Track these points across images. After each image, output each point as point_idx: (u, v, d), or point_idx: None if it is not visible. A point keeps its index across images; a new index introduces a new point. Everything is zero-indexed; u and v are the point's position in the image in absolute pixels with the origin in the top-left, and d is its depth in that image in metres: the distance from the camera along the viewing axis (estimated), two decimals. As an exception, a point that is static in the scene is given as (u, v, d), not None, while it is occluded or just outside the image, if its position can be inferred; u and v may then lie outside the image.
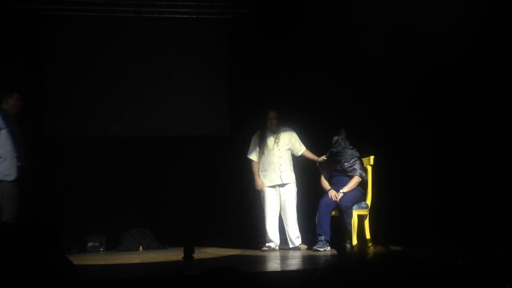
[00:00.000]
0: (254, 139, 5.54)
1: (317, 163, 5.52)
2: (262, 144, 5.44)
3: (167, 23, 7.03)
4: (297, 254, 4.92)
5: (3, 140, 4.61)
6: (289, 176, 5.43)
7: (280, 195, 5.42)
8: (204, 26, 7.10)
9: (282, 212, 5.42)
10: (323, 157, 5.43)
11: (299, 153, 5.55)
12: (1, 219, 4.45)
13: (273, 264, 4.15)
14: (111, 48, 6.88)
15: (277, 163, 5.41)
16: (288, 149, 5.49)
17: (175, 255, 4.91)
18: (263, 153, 5.42)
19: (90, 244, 6.22)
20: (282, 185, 5.41)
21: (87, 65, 6.78)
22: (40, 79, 6.72)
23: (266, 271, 3.44)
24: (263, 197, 5.42)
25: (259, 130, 5.55)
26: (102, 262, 4.79)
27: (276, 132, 5.48)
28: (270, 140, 5.45)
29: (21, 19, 6.51)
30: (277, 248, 5.35)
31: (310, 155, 5.55)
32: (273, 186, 5.42)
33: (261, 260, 4.44)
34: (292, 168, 5.48)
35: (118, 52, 6.88)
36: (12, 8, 6.44)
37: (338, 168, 5.29)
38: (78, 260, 4.86)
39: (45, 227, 1.04)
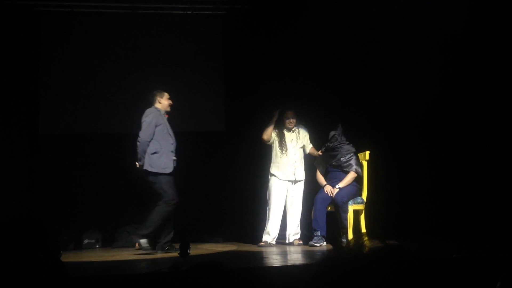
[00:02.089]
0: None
1: (317, 157, 5.55)
2: (279, 140, 5.42)
3: (162, 19, 7.00)
4: (293, 249, 4.93)
5: (160, 136, 4.92)
6: (301, 174, 5.47)
7: (288, 191, 5.44)
8: (199, 22, 7.07)
9: (287, 208, 5.44)
10: (320, 152, 5.46)
11: (308, 151, 5.60)
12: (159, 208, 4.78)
13: (269, 260, 4.15)
14: (106, 44, 6.84)
15: (292, 160, 5.43)
16: (302, 146, 5.53)
17: (171, 251, 4.91)
18: (281, 149, 5.40)
19: (86, 241, 6.20)
20: (294, 182, 5.43)
21: (82, 61, 6.75)
22: (35, 76, 6.68)
23: (249, 267, 3.43)
24: (270, 186, 5.42)
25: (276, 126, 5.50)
26: (98, 259, 4.79)
27: (291, 129, 5.48)
28: (288, 138, 5.46)
29: (15, 15, 6.47)
30: (274, 243, 5.36)
31: (313, 151, 5.59)
32: (283, 180, 5.42)
33: (257, 256, 4.45)
34: (303, 165, 5.51)
35: (113, 48, 6.85)
36: (6, 4, 6.40)
37: (334, 163, 5.30)
38: (74, 257, 4.85)
39: (34, 227, 1.02)
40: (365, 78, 5.96)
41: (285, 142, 5.42)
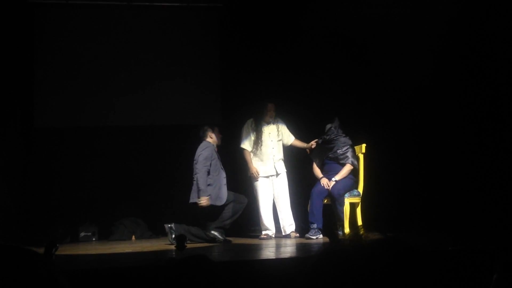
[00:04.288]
0: (247, 129, 5.54)
1: (307, 150, 5.55)
2: (256, 135, 5.44)
3: (158, 11, 6.96)
4: (289, 242, 4.94)
5: (213, 170, 5.18)
6: (282, 166, 5.49)
7: (273, 184, 5.46)
8: (195, 14, 7.04)
9: (276, 201, 5.45)
10: (313, 142, 5.44)
11: (289, 143, 5.60)
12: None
13: (266, 252, 4.17)
14: (101, 37, 6.79)
15: (271, 154, 5.45)
16: (280, 139, 5.53)
17: (167, 244, 4.92)
18: (257, 144, 5.43)
19: (82, 234, 6.20)
20: (276, 175, 5.45)
21: (77, 54, 6.70)
22: (29, 68, 6.64)
23: (246, 260, 3.44)
24: (256, 187, 5.44)
25: (252, 120, 5.54)
26: (94, 251, 4.80)
27: (269, 123, 5.50)
28: (264, 131, 5.46)
29: (8, 7, 6.41)
30: (273, 236, 5.40)
31: (299, 143, 5.60)
32: (267, 176, 5.45)
33: (252, 249, 4.46)
34: (283, 158, 5.53)
35: (109, 40, 6.81)
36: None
37: (330, 155, 5.31)
38: (70, 250, 4.86)
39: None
40: (361, 71, 5.95)
41: (261, 136, 5.43)
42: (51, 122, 6.64)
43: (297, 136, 5.65)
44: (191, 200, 5.16)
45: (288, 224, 5.39)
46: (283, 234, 5.38)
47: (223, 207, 5.12)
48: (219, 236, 5.02)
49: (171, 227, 4.95)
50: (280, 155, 5.52)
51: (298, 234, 5.33)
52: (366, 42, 5.89)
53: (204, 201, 5.04)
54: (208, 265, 1.22)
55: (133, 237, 6.21)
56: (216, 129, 5.39)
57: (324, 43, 6.16)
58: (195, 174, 5.17)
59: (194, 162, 5.22)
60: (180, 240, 4.12)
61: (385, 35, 5.68)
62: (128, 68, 6.80)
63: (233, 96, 6.83)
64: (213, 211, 5.12)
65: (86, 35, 6.75)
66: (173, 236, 4.80)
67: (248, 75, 6.65)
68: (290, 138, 5.59)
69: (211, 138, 5.33)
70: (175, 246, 4.21)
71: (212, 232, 5.02)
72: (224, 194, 5.12)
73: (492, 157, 5.11)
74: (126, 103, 6.77)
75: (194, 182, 5.18)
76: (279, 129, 5.53)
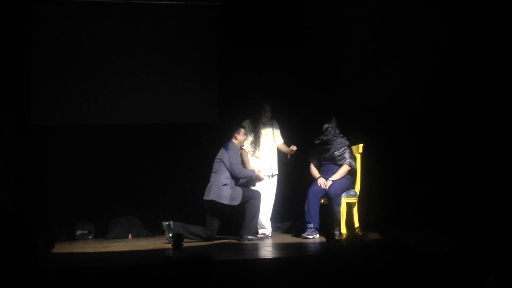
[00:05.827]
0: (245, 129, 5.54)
1: (288, 155, 5.58)
2: (254, 135, 5.46)
3: (156, 9, 6.94)
4: (286, 241, 4.95)
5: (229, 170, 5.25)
6: (276, 167, 5.56)
7: (266, 184, 5.49)
8: (193, 13, 7.02)
9: None
10: (293, 146, 5.45)
11: (278, 145, 5.65)
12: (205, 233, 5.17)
13: (263, 252, 4.17)
14: (98, 34, 6.77)
15: (268, 155, 5.49)
16: (275, 141, 5.58)
17: (164, 243, 4.91)
18: (255, 144, 5.44)
19: (78, 232, 6.19)
20: (271, 175, 5.50)
21: (74, 51, 6.68)
22: (26, 65, 6.61)
23: (242, 259, 3.44)
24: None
25: (250, 120, 5.55)
26: (91, 250, 4.78)
27: (266, 124, 5.54)
28: (262, 132, 5.49)
29: (5, 4, 6.39)
30: (270, 235, 5.41)
31: (284, 148, 5.64)
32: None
33: (249, 248, 4.45)
34: (277, 159, 5.59)
35: (106, 38, 6.79)
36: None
37: (327, 156, 5.31)
38: (67, 248, 4.85)
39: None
40: (358, 71, 5.96)
41: (259, 137, 5.46)
42: (47, 119, 6.61)
43: (286, 141, 5.70)
44: (206, 198, 5.16)
45: (266, 224, 5.45)
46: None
47: (238, 206, 5.12)
48: (255, 238, 5.06)
49: (169, 225, 4.94)
50: (276, 156, 5.57)
51: (269, 235, 5.38)
52: (363, 43, 5.89)
53: (260, 175, 5.31)
54: (210, 264, 1.22)
55: (130, 236, 6.20)
56: (242, 130, 5.40)
57: (321, 42, 6.16)
58: (215, 172, 5.21)
59: (217, 161, 5.25)
60: (177, 239, 4.12)
61: (382, 35, 5.68)
62: (124, 66, 6.78)
63: (231, 95, 6.82)
64: (227, 210, 5.14)
65: (83, 32, 6.72)
66: (170, 234, 4.78)
67: (246, 74, 6.65)
68: (278, 141, 5.65)
69: (236, 139, 5.37)
70: (171, 245, 4.21)
71: (248, 238, 5.02)
72: (239, 193, 5.14)
73: (489, 157, 5.13)
74: (122, 101, 6.76)
75: (211, 179, 5.22)
76: (274, 131, 5.57)
